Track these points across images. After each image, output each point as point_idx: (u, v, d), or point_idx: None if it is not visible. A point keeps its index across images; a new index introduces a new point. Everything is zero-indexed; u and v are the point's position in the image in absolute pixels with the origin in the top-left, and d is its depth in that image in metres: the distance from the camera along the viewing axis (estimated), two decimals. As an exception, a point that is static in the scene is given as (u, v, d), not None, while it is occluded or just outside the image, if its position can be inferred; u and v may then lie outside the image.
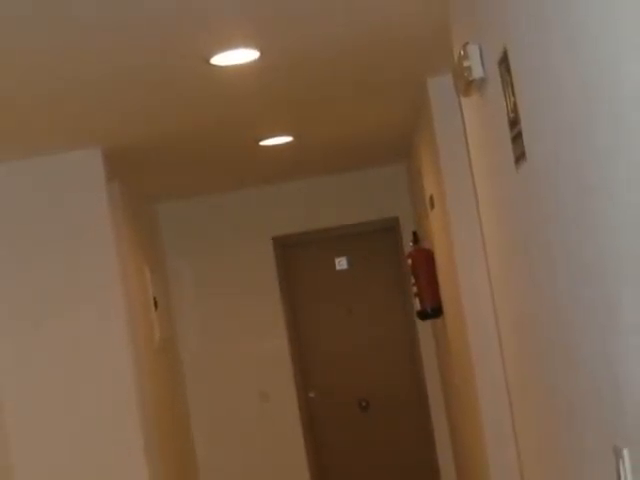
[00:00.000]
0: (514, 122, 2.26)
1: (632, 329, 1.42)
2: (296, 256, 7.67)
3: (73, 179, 5.07)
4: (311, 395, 7.65)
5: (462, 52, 2.69)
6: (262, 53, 3.76)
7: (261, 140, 5.73)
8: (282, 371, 7.44)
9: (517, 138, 2.26)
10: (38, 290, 5.04)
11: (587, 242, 1.69)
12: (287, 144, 5.95)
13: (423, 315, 5.87)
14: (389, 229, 7.53)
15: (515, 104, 2.23)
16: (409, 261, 5.97)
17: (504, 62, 2.30)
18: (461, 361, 5.09)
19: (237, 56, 3.75)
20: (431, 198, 5.54)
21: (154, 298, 6.31)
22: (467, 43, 2.66)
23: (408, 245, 6.52)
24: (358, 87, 4.70)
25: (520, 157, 2.27)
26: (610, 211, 1.48)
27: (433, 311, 5.68)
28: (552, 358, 2.24)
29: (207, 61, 3.72)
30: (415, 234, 6.46)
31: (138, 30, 3.35)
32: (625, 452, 1.50)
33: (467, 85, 2.73)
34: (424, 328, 7.16)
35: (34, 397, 4.98)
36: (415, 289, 5.77)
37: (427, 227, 6.13)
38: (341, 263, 7.74)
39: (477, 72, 2.55)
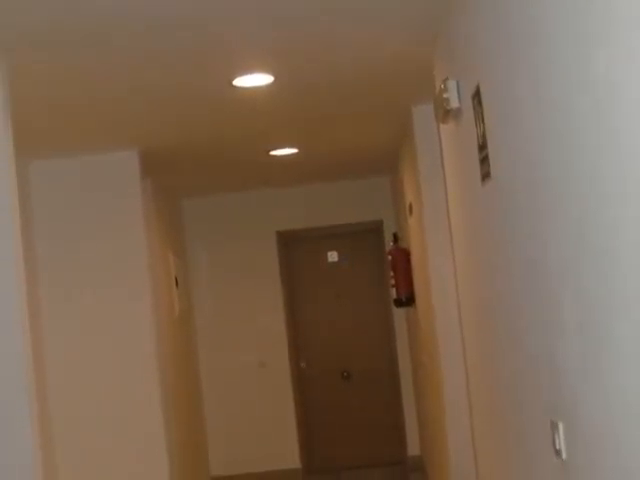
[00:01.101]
0: (482, 146, 2.26)
1: (569, 325, 1.43)
2: (295, 248, 7.73)
3: (113, 176, 5.12)
4: (302, 365, 7.70)
5: (442, 86, 2.69)
6: (276, 78, 3.80)
7: (271, 150, 5.77)
8: (278, 344, 7.51)
9: (484, 160, 2.25)
10: (82, 267, 5.12)
11: (535, 247, 1.70)
12: (293, 155, 6.01)
13: (398, 303, 5.91)
14: (374, 230, 7.59)
15: (484, 131, 2.23)
16: (389, 257, 5.99)
17: (477, 96, 2.30)
18: (428, 342, 5.11)
19: (255, 80, 3.79)
20: (410, 206, 5.55)
21: (175, 278, 6.34)
22: (447, 78, 2.67)
23: (389, 244, 6.53)
24: (354, 110, 4.73)
25: (486, 175, 2.27)
26: (554, 222, 1.49)
27: (407, 300, 5.72)
28: (501, 344, 2.25)
29: (230, 83, 3.78)
30: (395, 235, 6.48)
31: (176, 56, 3.43)
32: (560, 425, 1.50)
33: (445, 114, 2.73)
34: (399, 313, 7.22)
35: (70, 354, 5.04)
36: (393, 281, 5.80)
37: (406, 230, 6.14)
38: (332, 256, 7.82)
39: (454, 103, 2.55)
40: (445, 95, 2.58)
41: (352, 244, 7.78)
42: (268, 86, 3.91)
